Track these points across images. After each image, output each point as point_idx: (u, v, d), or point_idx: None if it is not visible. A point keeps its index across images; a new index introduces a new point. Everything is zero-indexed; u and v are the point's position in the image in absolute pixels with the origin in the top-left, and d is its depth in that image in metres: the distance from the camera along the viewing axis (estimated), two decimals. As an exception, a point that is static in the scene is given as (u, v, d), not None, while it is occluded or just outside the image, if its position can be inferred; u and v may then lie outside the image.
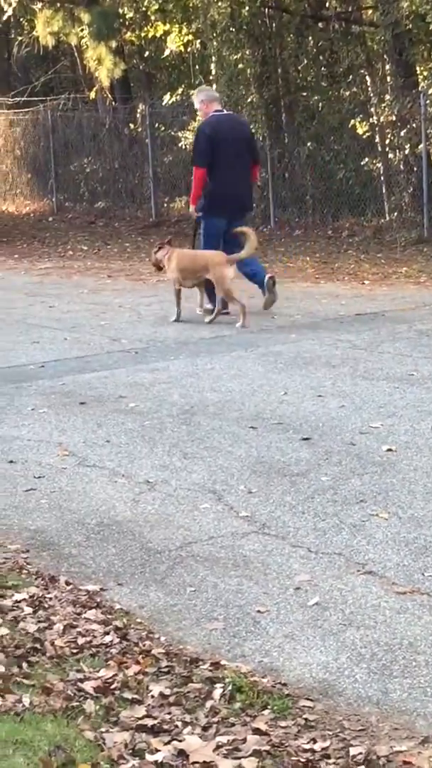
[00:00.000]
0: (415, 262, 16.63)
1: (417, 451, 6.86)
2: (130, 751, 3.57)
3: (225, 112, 12.91)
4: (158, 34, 26.42)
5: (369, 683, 4.04)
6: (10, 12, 26.66)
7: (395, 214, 21.09)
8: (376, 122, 21.88)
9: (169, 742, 3.63)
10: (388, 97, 22.07)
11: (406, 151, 21.14)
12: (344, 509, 5.88)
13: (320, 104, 23.06)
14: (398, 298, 13.28)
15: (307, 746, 3.62)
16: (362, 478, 6.38)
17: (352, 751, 3.57)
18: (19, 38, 32.23)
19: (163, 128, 24.74)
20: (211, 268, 11.67)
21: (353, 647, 4.32)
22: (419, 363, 9.37)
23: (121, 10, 25.29)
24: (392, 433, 7.27)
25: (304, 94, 23.78)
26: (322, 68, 24.14)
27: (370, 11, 22.96)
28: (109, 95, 27.48)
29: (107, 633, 4.48)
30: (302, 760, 3.54)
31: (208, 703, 3.91)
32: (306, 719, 3.81)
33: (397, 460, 6.69)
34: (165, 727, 3.75)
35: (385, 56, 23.20)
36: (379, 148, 21.82)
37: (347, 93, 23.69)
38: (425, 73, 23.34)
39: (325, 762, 3.53)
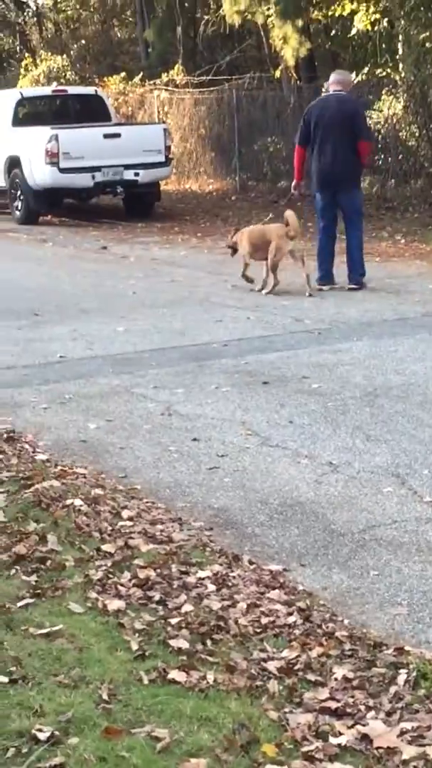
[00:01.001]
0: None
1: None
2: (314, 733, 3.58)
3: (335, 92, 13.01)
4: (345, 13, 26.20)
5: None
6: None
7: None
8: None
9: (352, 726, 3.63)
10: None
11: None
12: None
13: None
14: None
15: None
16: None
17: None
18: (206, 17, 32.39)
19: (347, 107, 24.57)
20: (272, 239, 12.62)
21: None
22: None
23: (308, -12, 25.18)
24: None
25: None
26: None
27: None
28: (294, 74, 27.37)
29: (290, 614, 4.49)
30: None
31: (392, 689, 3.89)
32: None
33: None
34: (348, 710, 3.74)
35: None
36: None
37: None
38: None
39: None
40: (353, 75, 24.51)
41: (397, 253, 15.68)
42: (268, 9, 24.21)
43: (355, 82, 24.98)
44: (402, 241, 16.84)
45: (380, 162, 23.66)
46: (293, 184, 13.52)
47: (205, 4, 32.49)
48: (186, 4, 32.37)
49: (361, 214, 13.13)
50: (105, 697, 3.70)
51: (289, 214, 12.76)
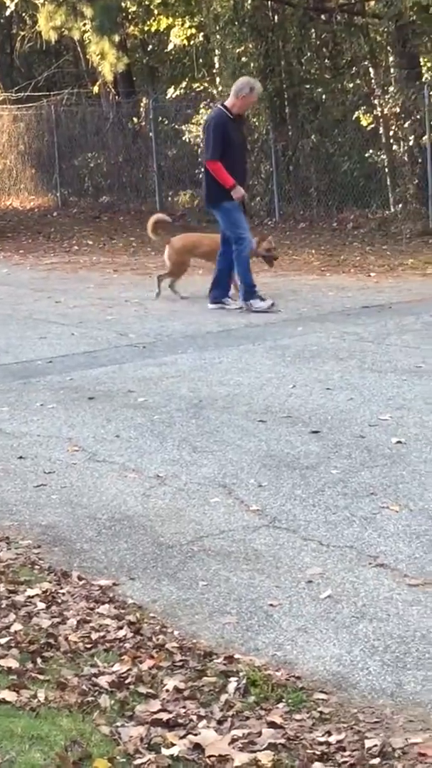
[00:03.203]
0: (421, 253, 16.62)
1: (427, 443, 6.87)
2: (146, 746, 3.59)
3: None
4: (161, 28, 26.42)
5: (383, 675, 4.05)
6: (12, 7, 26.66)
7: (400, 205, 21.10)
8: (379, 114, 21.89)
9: (184, 736, 3.65)
10: (391, 88, 22.07)
11: (410, 143, 21.16)
12: (355, 502, 5.89)
13: (324, 96, 23.06)
14: (404, 290, 13.27)
15: (322, 739, 3.63)
16: (372, 470, 6.39)
17: (367, 743, 3.58)
18: (21, 33, 32.23)
19: (166, 122, 24.73)
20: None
21: (366, 640, 4.33)
22: (427, 355, 9.37)
23: (123, 4, 25.24)
24: (401, 426, 7.27)
25: (308, 86, 23.77)
26: (326, 60, 24.17)
27: (373, 3, 22.92)
28: (113, 89, 27.45)
29: (121, 628, 4.49)
30: (317, 753, 3.55)
31: (223, 697, 3.92)
32: (320, 712, 3.82)
33: (406, 452, 6.70)
34: (180, 721, 3.76)
35: (388, 48, 23.22)
36: (383, 140, 21.81)
37: (351, 85, 23.74)
38: (429, 64, 23.36)
39: (341, 755, 3.54)
40: (171, 89, 24.76)
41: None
42: (85, 24, 24.22)
43: (173, 96, 25.25)
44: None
45: (201, 175, 23.82)
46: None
47: (21, 20, 32.29)
48: (1, 21, 32.11)
49: (229, 234, 12.41)
50: None
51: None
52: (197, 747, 3.58)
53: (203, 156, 12.99)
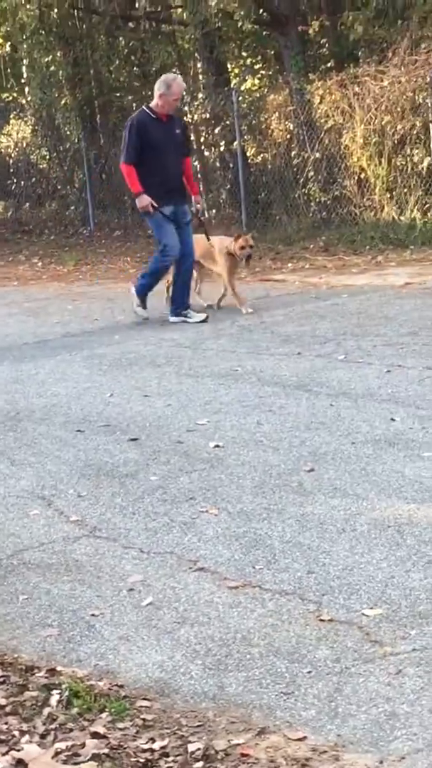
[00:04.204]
0: (236, 258, 16.76)
1: (243, 445, 6.94)
2: (-33, 765, 3.54)
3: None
4: (-33, 39, 26.14)
5: (204, 679, 4.07)
6: None
7: (214, 211, 21.28)
8: (190, 120, 22.04)
9: (6, 753, 3.61)
10: (200, 95, 22.26)
11: (222, 149, 21.37)
12: (174, 508, 5.91)
13: (134, 104, 23.10)
14: (219, 295, 13.37)
15: (146, 746, 3.63)
16: (191, 475, 6.43)
17: (191, 747, 3.60)
18: None
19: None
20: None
21: (188, 644, 4.35)
22: (242, 358, 9.48)
23: None
24: (219, 429, 7.34)
25: (118, 94, 23.83)
26: (135, 68, 24.23)
27: (179, 10, 23.10)
28: None
29: None
30: (141, 760, 3.55)
31: (46, 711, 3.89)
32: (144, 719, 3.82)
33: (224, 455, 6.76)
34: (2, 737, 3.72)
35: (196, 54, 23.40)
36: (195, 146, 21.97)
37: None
38: (236, 71, 23.62)
39: (164, 760, 3.55)
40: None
41: (35, 276, 15.75)
42: None
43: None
44: (39, 264, 16.94)
45: (13, 186, 23.68)
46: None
47: None
48: None
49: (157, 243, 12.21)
50: None
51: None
52: (20, 762, 3.54)
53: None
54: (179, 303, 11.92)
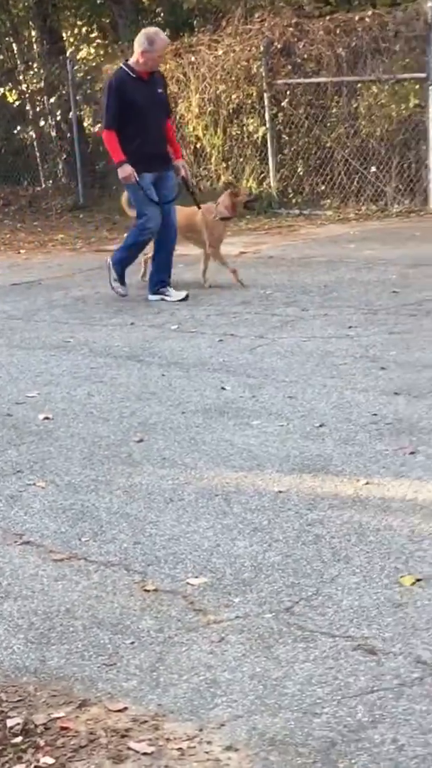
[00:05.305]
0: (71, 228, 16.69)
1: (74, 417, 6.88)
2: None
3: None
4: None
5: (26, 653, 4.02)
6: None
7: (50, 181, 21.10)
8: (25, 90, 21.77)
9: None
10: (35, 64, 21.98)
11: (58, 119, 21.15)
12: (1, 481, 5.83)
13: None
14: (54, 265, 13.28)
15: (-35, 724, 3.58)
16: (19, 448, 6.35)
17: (9, 722, 3.55)
18: None
19: None
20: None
21: (11, 618, 4.29)
22: (75, 329, 9.40)
23: None
24: (49, 401, 7.26)
25: None
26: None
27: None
28: None
29: None
30: (-41, 738, 3.49)
31: None
32: (-37, 697, 3.76)
33: (54, 428, 6.69)
34: None
35: (30, 23, 23.08)
36: (30, 116, 21.74)
37: (-5, 61, 23.48)
38: (71, 39, 23.38)
39: (-17, 737, 3.50)
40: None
41: None
42: None
43: None
44: None
45: None
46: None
47: None
48: None
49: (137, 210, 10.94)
50: None
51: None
52: None
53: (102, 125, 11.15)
54: (155, 280, 10.91)
